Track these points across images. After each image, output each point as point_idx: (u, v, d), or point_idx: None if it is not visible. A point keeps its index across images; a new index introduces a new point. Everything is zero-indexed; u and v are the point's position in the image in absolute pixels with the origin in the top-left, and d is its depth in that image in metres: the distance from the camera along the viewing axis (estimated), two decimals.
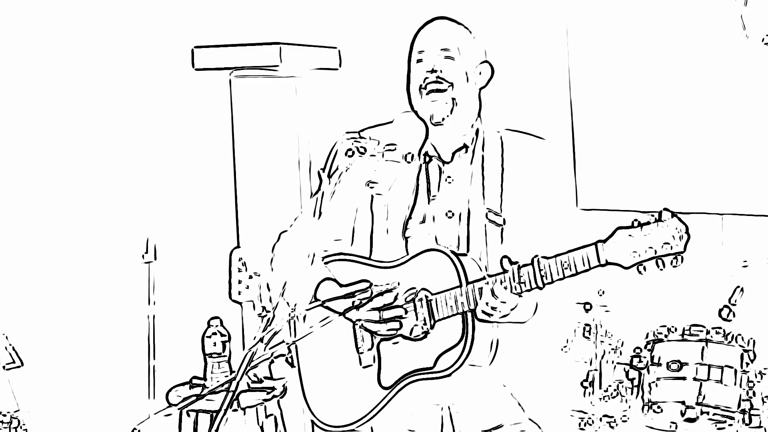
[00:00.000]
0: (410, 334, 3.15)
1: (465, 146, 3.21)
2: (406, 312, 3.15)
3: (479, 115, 3.23)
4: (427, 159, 3.23)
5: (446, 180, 3.22)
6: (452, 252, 3.12)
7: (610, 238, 2.97)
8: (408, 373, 3.16)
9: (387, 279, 3.17)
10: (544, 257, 3.01)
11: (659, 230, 2.93)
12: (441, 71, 3.14)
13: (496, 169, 3.19)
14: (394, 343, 3.18)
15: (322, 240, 3.26)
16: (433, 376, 3.13)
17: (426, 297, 3.13)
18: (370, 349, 3.21)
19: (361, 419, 3.21)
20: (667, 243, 2.92)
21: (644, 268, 2.96)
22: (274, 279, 3.32)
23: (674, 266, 2.94)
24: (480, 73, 3.19)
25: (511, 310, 3.06)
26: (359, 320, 3.18)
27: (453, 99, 3.14)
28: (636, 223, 2.95)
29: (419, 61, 3.17)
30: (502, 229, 3.17)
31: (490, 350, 3.17)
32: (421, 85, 3.15)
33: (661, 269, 2.95)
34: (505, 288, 3.02)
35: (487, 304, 3.04)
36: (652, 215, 2.95)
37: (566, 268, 2.99)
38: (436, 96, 3.13)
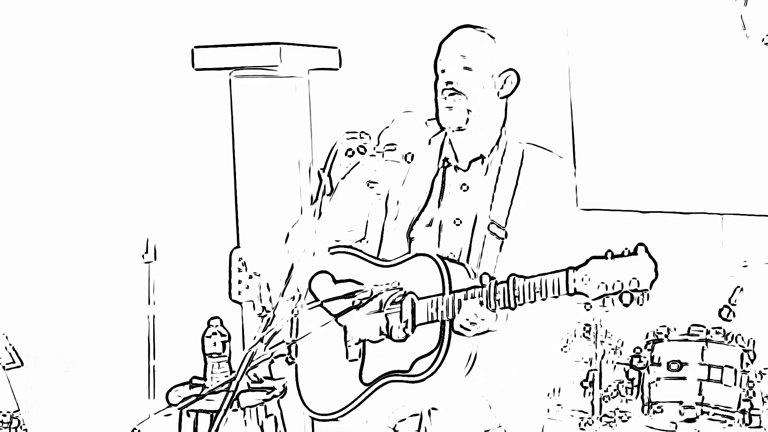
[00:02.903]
0: (391, 334, 3.17)
1: (481, 156, 3.22)
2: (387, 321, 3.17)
3: (504, 125, 3.25)
4: (446, 164, 3.24)
5: (461, 187, 3.24)
6: (442, 259, 3.13)
7: (583, 267, 2.97)
8: (386, 373, 3.18)
9: (382, 277, 3.19)
10: (520, 276, 3.01)
11: (630, 264, 2.92)
12: (456, 82, 3.18)
13: (510, 182, 3.21)
14: (377, 342, 3.19)
15: (330, 235, 3.28)
16: (407, 379, 3.15)
17: (412, 300, 3.15)
18: (357, 344, 3.23)
19: (338, 411, 3.24)
20: (635, 278, 2.91)
21: (612, 303, 2.95)
22: (275, 278, 3.33)
23: (640, 304, 2.93)
24: (504, 81, 3.22)
25: (488, 329, 3.08)
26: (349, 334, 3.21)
27: (468, 110, 3.18)
28: (609, 255, 2.95)
29: (442, 71, 3.22)
30: (503, 242, 3.18)
31: (467, 361, 3.17)
32: (440, 93, 3.20)
33: (626, 305, 2.94)
34: (481, 303, 3.04)
35: (467, 319, 3.06)
36: (627, 249, 2.94)
37: (537, 292, 3.00)
38: (451, 104, 3.18)
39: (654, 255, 2.94)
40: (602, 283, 2.94)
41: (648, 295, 2.93)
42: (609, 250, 2.95)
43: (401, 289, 3.16)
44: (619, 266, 2.93)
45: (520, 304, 3.02)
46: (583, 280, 2.95)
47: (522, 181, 3.21)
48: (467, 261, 3.19)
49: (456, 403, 3.20)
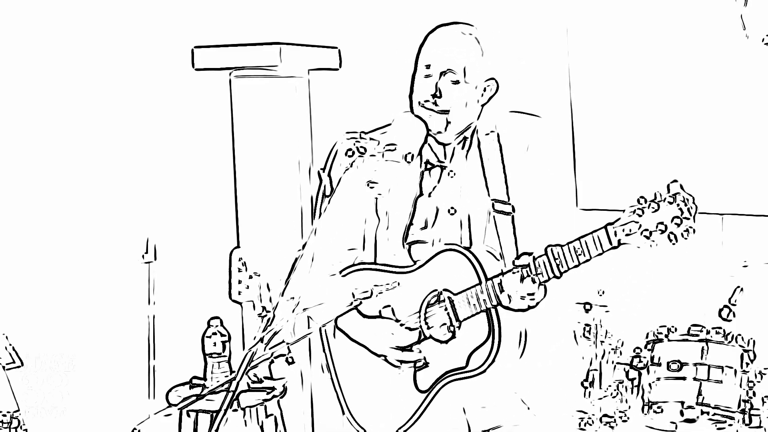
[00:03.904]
0: (438, 336, 3.15)
1: (464, 138, 3.22)
2: (429, 328, 3.15)
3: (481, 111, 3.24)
4: (429, 166, 3.24)
5: (449, 174, 3.22)
6: (468, 250, 3.12)
7: (619, 220, 2.97)
8: (443, 374, 3.16)
9: (411, 284, 3.17)
10: (557, 245, 3.01)
11: (668, 206, 2.92)
12: (441, 96, 3.17)
13: (496, 158, 3.20)
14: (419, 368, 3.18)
15: (332, 246, 3.27)
16: (467, 375, 3.13)
17: (449, 298, 3.13)
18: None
19: (406, 424, 3.21)
20: (677, 216, 2.92)
21: (657, 245, 2.96)
22: (275, 278, 3.32)
23: (685, 238, 2.93)
24: (485, 90, 3.20)
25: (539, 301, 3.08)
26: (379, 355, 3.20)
27: (448, 121, 3.17)
28: (643, 200, 2.95)
29: (426, 76, 3.19)
30: (513, 218, 3.17)
31: (519, 344, 3.17)
32: (420, 102, 3.18)
33: (674, 243, 2.94)
34: (532, 281, 3.03)
35: (521, 298, 3.05)
36: (658, 192, 2.94)
37: (580, 254, 2.99)
38: (432, 114, 3.16)
39: (687, 189, 2.94)
40: (645, 229, 2.93)
41: (694, 229, 2.93)
42: (641, 196, 2.96)
43: (435, 290, 3.15)
44: (657, 210, 2.93)
45: (565, 271, 3.02)
46: (624, 230, 2.95)
47: (506, 152, 3.20)
48: (470, 244, 3.18)
49: (500, 402, 3.20)
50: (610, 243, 2.98)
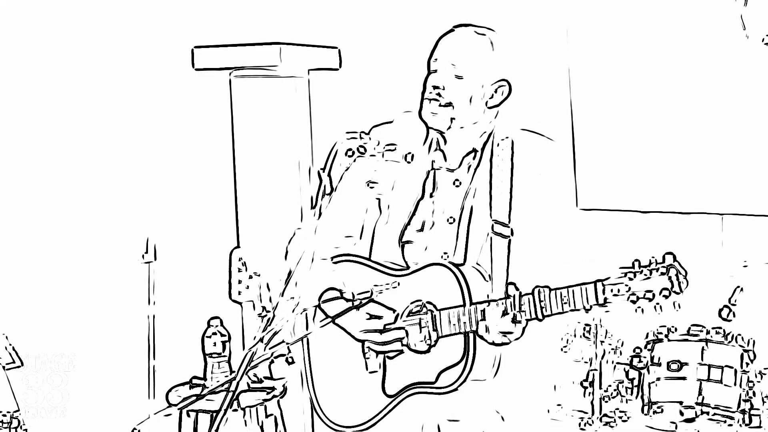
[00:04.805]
0: (414, 347, 3.14)
1: (474, 150, 3.20)
2: (407, 334, 3.14)
3: (495, 118, 3.22)
4: (435, 167, 3.22)
5: (454, 183, 3.21)
6: (457, 267, 3.11)
7: (610, 278, 2.97)
8: (410, 384, 3.16)
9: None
10: (546, 287, 3.00)
11: (660, 272, 2.93)
12: (444, 89, 3.15)
13: (506, 177, 3.18)
14: (392, 357, 3.17)
15: (330, 237, 3.26)
16: (434, 391, 3.13)
17: (431, 311, 3.12)
18: (377, 356, 3.21)
19: (364, 424, 3.21)
20: (666, 288, 2.93)
21: (642, 311, 2.97)
22: (275, 278, 3.31)
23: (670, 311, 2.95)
24: (495, 91, 3.18)
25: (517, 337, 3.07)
26: (367, 347, 3.19)
27: (452, 118, 3.15)
28: (637, 264, 2.95)
29: (434, 71, 3.18)
30: (510, 241, 3.15)
31: (492, 366, 3.16)
32: (427, 97, 3.17)
33: (659, 314, 2.96)
34: (514, 320, 3.02)
35: (501, 332, 3.04)
36: (654, 258, 2.95)
37: (565, 303, 2.99)
38: (436, 110, 3.15)
39: (682, 261, 2.95)
40: (633, 293, 2.94)
41: (679, 304, 2.94)
42: (636, 260, 2.96)
43: (419, 300, 3.14)
44: (648, 277, 2.93)
45: (548, 315, 3.01)
46: (612, 291, 2.95)
47: (516, 172, 3.18)
48: (464, 259, 3.17)
49: (474, 414, 3.18)
50: (596, 300, 2.98)
